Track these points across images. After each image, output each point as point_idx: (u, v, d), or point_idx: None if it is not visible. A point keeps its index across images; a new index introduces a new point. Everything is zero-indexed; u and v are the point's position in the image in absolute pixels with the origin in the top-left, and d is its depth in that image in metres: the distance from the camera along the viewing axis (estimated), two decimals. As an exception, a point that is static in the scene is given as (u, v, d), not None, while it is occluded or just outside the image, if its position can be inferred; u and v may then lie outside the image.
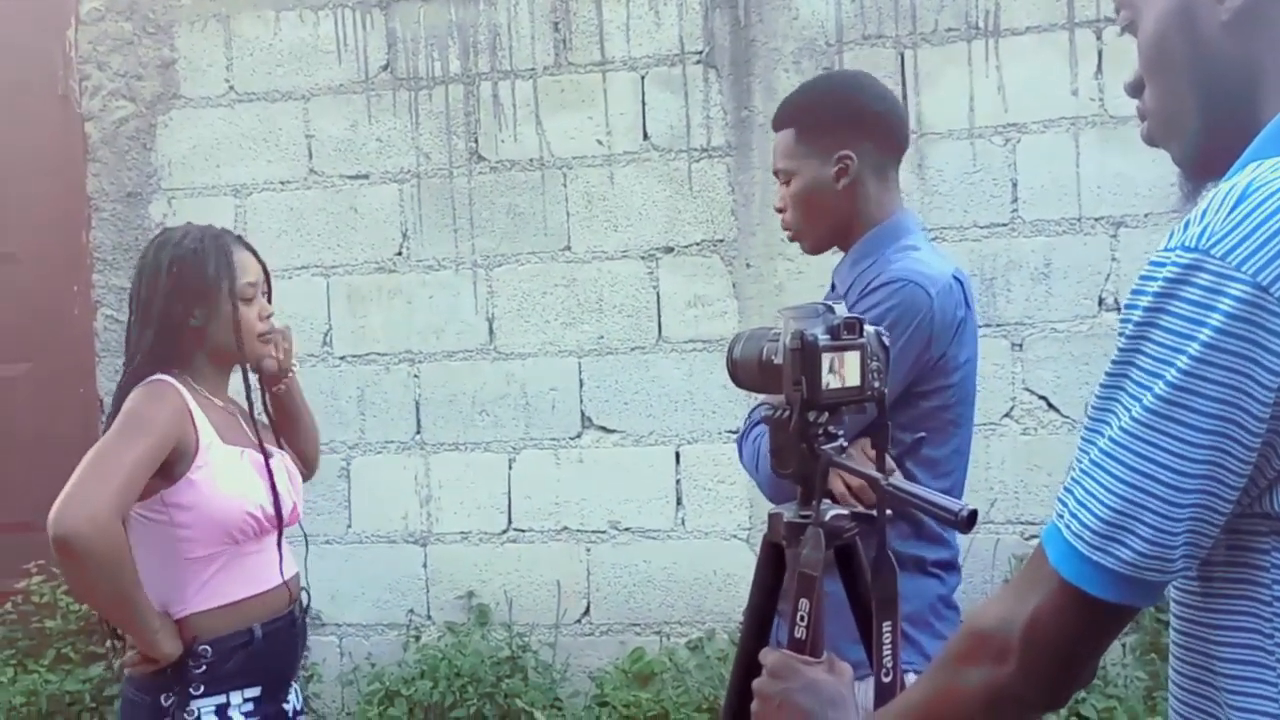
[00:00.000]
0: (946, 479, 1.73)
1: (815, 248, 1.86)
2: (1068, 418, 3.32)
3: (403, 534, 3.70)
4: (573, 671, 3.56)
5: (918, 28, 3.40)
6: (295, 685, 2.04)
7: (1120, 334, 0.83)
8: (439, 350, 3.67)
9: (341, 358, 3.71)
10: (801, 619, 1.11)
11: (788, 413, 1.16)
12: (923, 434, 1.56)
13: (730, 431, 3.39)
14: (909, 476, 1.57)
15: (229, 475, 1.87)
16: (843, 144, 1.74)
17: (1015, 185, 3.36)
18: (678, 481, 3.55)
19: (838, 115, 1.77)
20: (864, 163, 1.75)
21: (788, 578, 1.20)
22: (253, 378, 2.06)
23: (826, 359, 1.14)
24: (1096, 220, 3.32)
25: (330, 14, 3.71)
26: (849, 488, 1.58)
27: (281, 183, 3.76)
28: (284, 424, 2.14)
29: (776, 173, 1.83)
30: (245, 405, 2.00)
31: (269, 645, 1.91)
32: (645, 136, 3.56)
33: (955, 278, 1.72)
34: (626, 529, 3.58)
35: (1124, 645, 3.25)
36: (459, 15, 3.65)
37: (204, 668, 1.84)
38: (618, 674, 3.48)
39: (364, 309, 3.70)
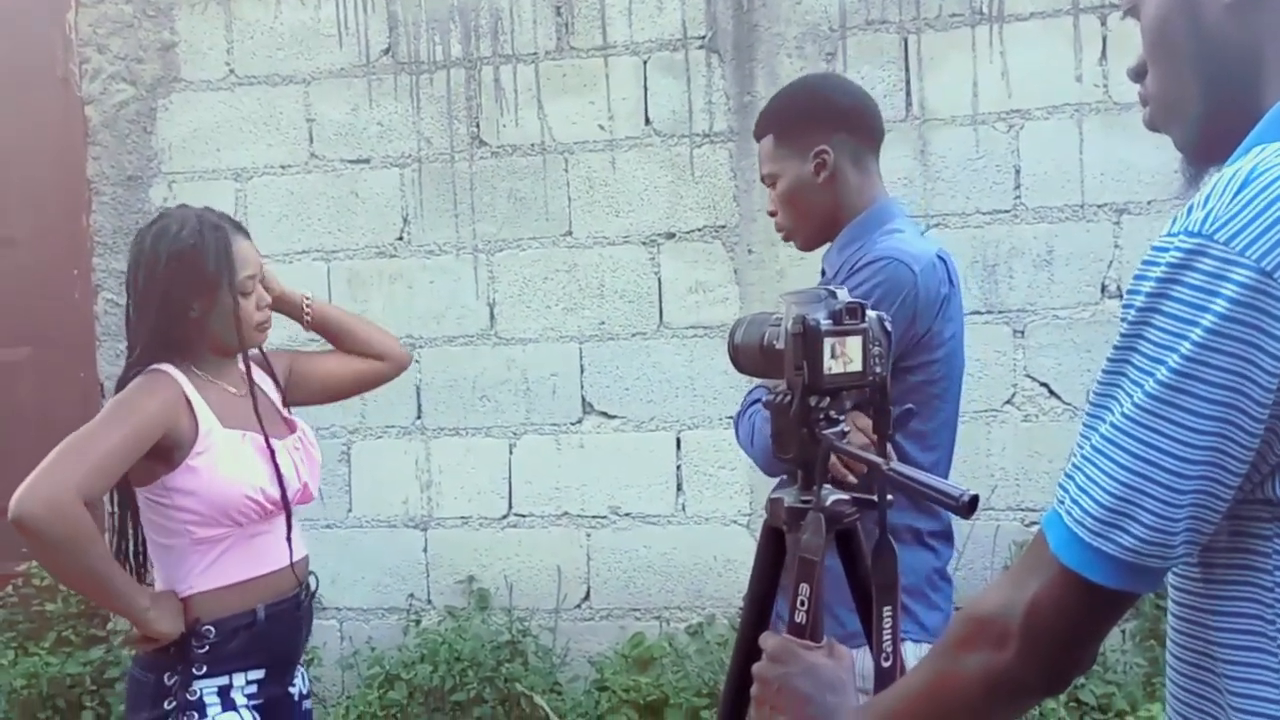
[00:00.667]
0: (934, 452, 1.79)
1: (808, 244, 1.95)
2: (1069, 405, 3.32)
3: (403, 518, 3.70)
4: (572, 656, 3.57)
5: (921, 12, 3.38)
6: (301, 669, 2.04)
7: (1123, 320, 0.83)
8: (440, 335, 3.67)
9: (342, 342, 3.71)
10: (801, 604, 1.11)
11: (789, 397, 1.16)
12: (910, 406, 1.61)
13: (731, 417, 3.39)
14: (898, 449, 1.65)
15: (229, 459, 1.87)
16: (817, 140, 1.84)
17: (1018, 171, 3.35)
18: (678, 467, 3.55)
19: (809, 114, 1.87)
20: (840, 155, 1.84)
21: (788, 563, 1.20)
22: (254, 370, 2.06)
23: (828, 344, 1.14)
24: (1100, 207, 3.31)
25: (331, -3, 3.70)
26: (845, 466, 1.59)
27: (282, 167, 3.75)
28: (338, 343, 2.20)
29: (764, 179, 1.93)
30: (267, 385, 2.02)
31: (272, 627, 1.92)
32: (647, 121, 3.54)
33: (939, 256, 1.79)
34: (627, 514, 3.58)
35: (1124, 631, 3.26)
36: (460, -1, 3.63)
37: (206, 648, 1.85)
38: (617, 659, 3.49)
39: (365, 294, 3.70)
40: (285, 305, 2.12)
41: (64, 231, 3.86)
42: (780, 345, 1.18)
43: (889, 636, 1.13)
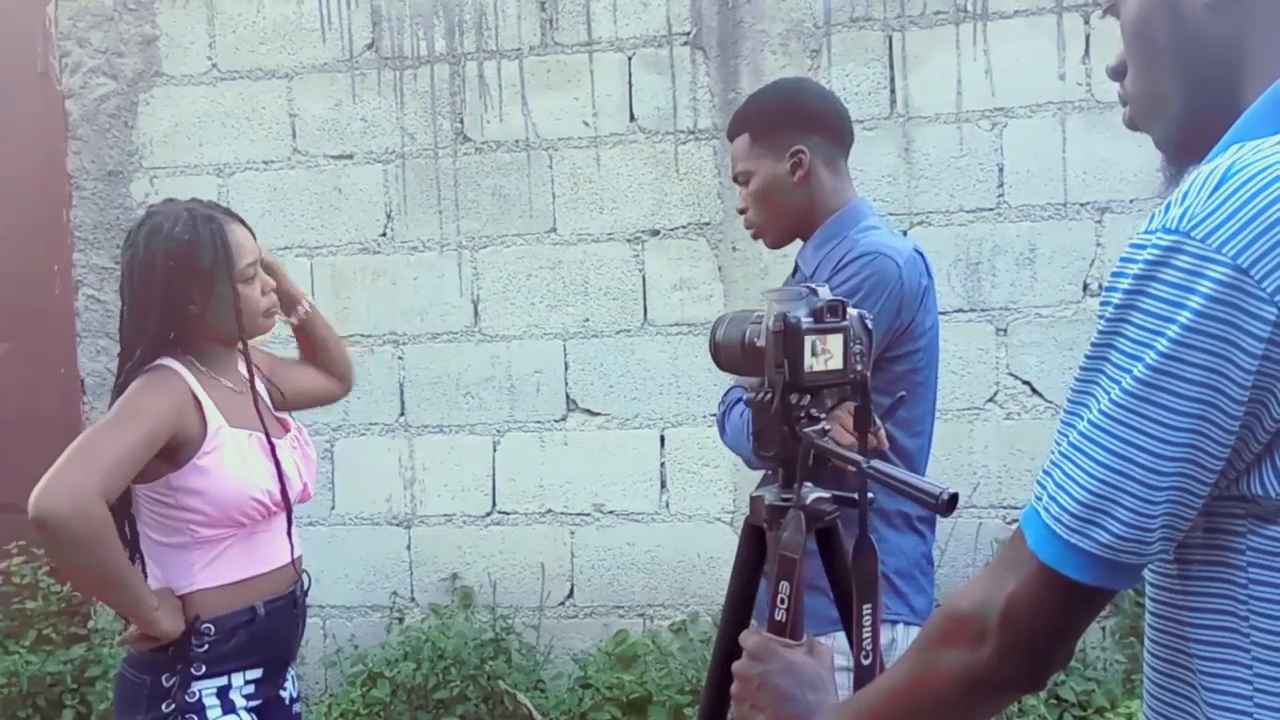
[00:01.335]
0: (919, 438, 1.88)
1: (777, 241, 2.01)
2: (1051, 403, 3.33)
3: (386, 516, 3.69)
4: (556, 654, 3.56)
5: (905, 10, 3.39)
6: (292, 672, 2.03)
7: (1100, 316, 0.83)
8: (423, 332, 3.66)
9: (325, 339, 3.69)
10: (781, 601, 1.11)
11: (770, 395, 1.16)
12: (902, 394, 1.68)
13: (715, 415, 3.39)
14: (890, 438, 1.72)
15: (237, 460, 1.85)
16: (793, 140, 1.90)
17: (1001, 170, 3.36)
18: (662, 464, 3.55)
19: (786, 115, 1.93)
20: (815, 156, 1.90)
21: (769, 560, 1.20)
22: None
23: (809, 341, 1.14)
24: (1082, 205, 3.32)
25: (314, -8, 3.68)
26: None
27: (265, 162, 3.73)
28: (313, 355, 2.18)
29: (736, 177, 1.98)
30: (258, 384, 1.99)
31: (270, 624, 1.90)
32: (632, 118, 3.54)
33: (916, 250, 1.88)
34: (610, 512, 3.58)
35: (1103, 628, 3.27)
36: (444, -6, 3.62)
37: (206, 646, 1.82)
38: (601, 656, 3.49)
39: (348, 290, 3.68)
40: (282, 297, 2.08)
41: (44, 227, 3.83)
42: (761, 343, 1.18)
43: (869, 634, 1.13)
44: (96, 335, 3.80)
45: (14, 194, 3.85)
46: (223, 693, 1.84)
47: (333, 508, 3.70)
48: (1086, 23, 3.30)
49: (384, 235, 3.67)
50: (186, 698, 1.81)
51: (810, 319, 1.15)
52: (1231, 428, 0.77)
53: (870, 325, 1.21)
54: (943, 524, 1.88)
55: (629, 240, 3.55)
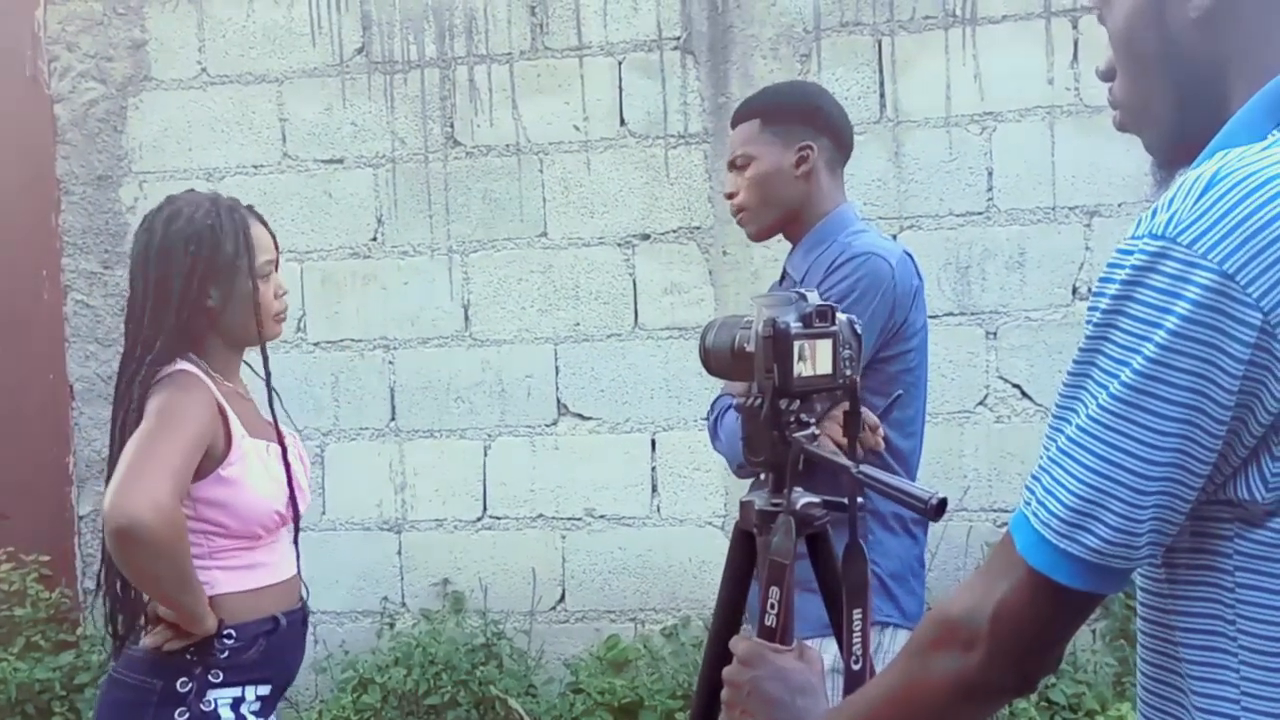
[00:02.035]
0: (912, 439, 1.89)
1: (761, 233, 2.00)
2: (1041, 406, 3.34)
3: (377, 521, 3.68)
4: (547, 659, 3.56)
5: (895, 15, 3.40)
6: (284, 699, 1.99)
7: (1087, 321, 0.83)
8: (414, 337, 3.65)
9: (316, 344, 3.69)
10: (771, 607, 1.11)
11: (760, 400, 1.16)
12: (899, 393, 1.69)
13: (705, 421, 3.39)
14: (885, 439, 1.74)
15: (260, 472, 1.80)
16: (805, 135, 1.91)
17: (991, 174, 3.37)
18: (653, 469, 3.55)
19: (804, 110, 1.95)
20: (820, 156, 1.92)
21: (759, 566, 1.20)
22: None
23: (798, 346, 1.14)
24: (1071, 209, 3.33)
25: (304, -4, 3.67)
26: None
27: (254, 167, 3.72)
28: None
29: (734, 161, 1.97)
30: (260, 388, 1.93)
31: (285, 639, 1.85)
32: (622, 123, 3.54)
33: (906, 252, 1.90)
34: (602, 516, 3.57)
35: (1094, 631, 3.28)
36: (434, -1, 3.62)
37: (227, 652, 1.76)
38: (592, 661, 3.49)
39: (338, 295, 3.68)
40: None
41: (33, 231, 3.81)
42: (751, 348, 1.18)
43: (859, 639, 1.13)
44: (85, 340, 3.79)
45: (2, 199, 3.83)
46: (236, 705, 1.78)
47: (323, 513, 3.69)
48: (1075, 27, 3.32)
49: (374, 240, 3.67)
50: (202, 706, 1.74)
51: (799, 324, 1.15)
52: (1218, 432, 0.77)
53: (859, 330, 1.21)
54: (933, 527, 1.89)
55: (619, 244, 3.55)
